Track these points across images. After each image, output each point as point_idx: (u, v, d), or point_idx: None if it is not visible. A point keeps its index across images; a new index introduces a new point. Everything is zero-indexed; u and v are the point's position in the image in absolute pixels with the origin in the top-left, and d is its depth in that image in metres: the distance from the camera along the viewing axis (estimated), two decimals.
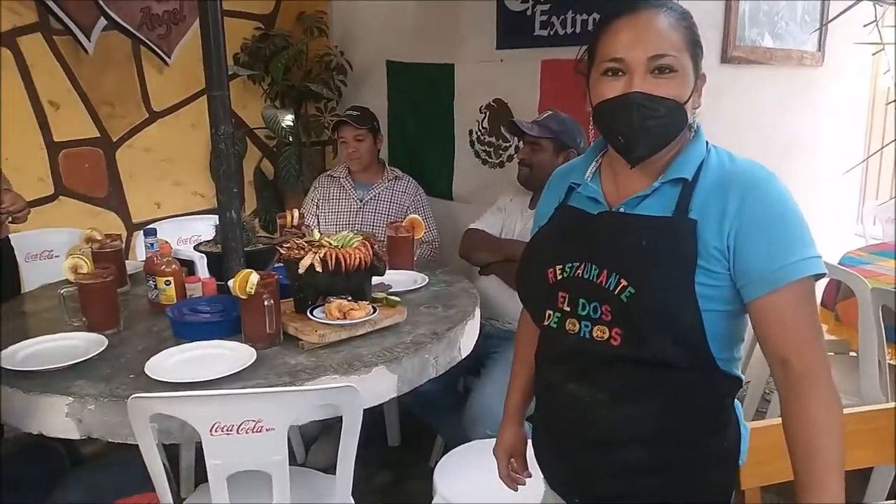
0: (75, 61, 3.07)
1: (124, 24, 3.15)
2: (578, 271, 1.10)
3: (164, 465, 1.44)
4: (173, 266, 1.99)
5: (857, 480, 1.92)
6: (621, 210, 1.11)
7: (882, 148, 3.19)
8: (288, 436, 1.42)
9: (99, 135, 3.20)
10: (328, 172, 3.13)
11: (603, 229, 1.11)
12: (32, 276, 2.57)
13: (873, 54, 2.98)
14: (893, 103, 2.56)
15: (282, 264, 1.87)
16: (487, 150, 3.19)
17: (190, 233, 2.91)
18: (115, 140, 3.26)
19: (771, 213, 1.02)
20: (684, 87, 1.05)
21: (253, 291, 1.64)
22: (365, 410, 1.48)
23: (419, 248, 2.58)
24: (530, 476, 1.41)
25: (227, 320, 1.79)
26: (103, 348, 1.66)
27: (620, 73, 1.05)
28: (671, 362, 1.04)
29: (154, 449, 1.41)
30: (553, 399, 1.19)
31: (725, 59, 2.67)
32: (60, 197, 3.12)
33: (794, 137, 3.13)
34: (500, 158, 3.14)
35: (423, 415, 2.66)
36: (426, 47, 3.36)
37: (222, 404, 1.37)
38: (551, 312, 1.13)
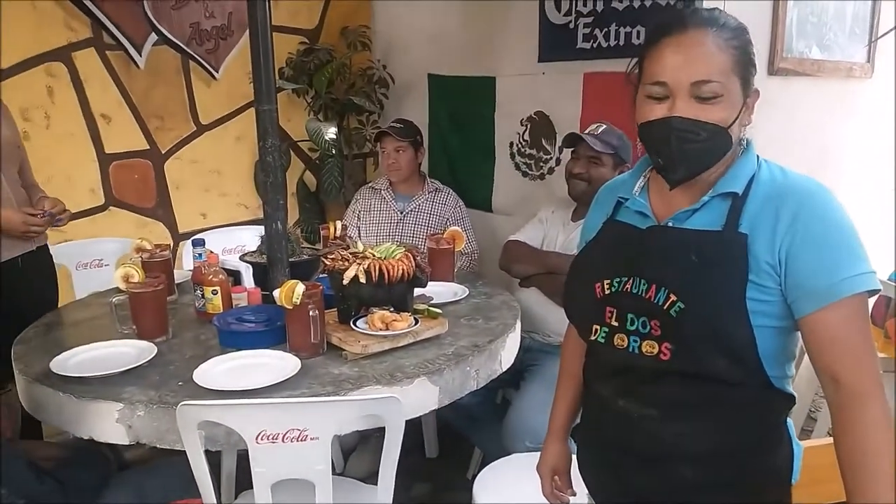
0: (127, 75, 3.17)
1: (174, 40, 3.24)
2: (627, 286, 1.09)
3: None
4: (220, 276, 2.02)
5: None
6: (670, 224, 1.10)
7: None
8: None
9: (148, 147, 3.29)
10: (370, 184, 3.16)
11: (651, 244, 1.10)
12: (83, 285, 2.64)
13: None
14: None
15: (325, 275, 1.89)
16: (528, 162, 3.19)
17: (235, 243, 2.97)
18: (163, 152, 3.34)
19: (824, 228, 1.00)
20: (729, 110, 1.03)
21: (298, 301, 1.66)
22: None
23: (459, 260, 2.59)
24: (574, 494, 1.40)
25: (271, 330, 1.81)
26: (153, 356, 1.69)
27: (664, 96, 1.04)
28: (723, 378, 1.03)
29: (201, 455, 1.43)
30: (603, 415, 1.18)
31: (772, 71, 2.62)
32: (111, 207, 3.21)
33: (841, 150, 3.06)
34: (541, 171, 3.14)
35: (462, 427, 2.65)
36: (468, 61, 3.38)
37: (268, 413, 1.39)
38: (598, 327, 1.13)
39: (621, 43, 2.67)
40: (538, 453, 1.44)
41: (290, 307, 1.67)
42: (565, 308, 1.26)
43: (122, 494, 1.67)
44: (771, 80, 2.65)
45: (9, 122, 2.34)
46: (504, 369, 1.90)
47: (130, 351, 1.73)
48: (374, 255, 1.82)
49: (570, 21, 2.84)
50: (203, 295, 2.00)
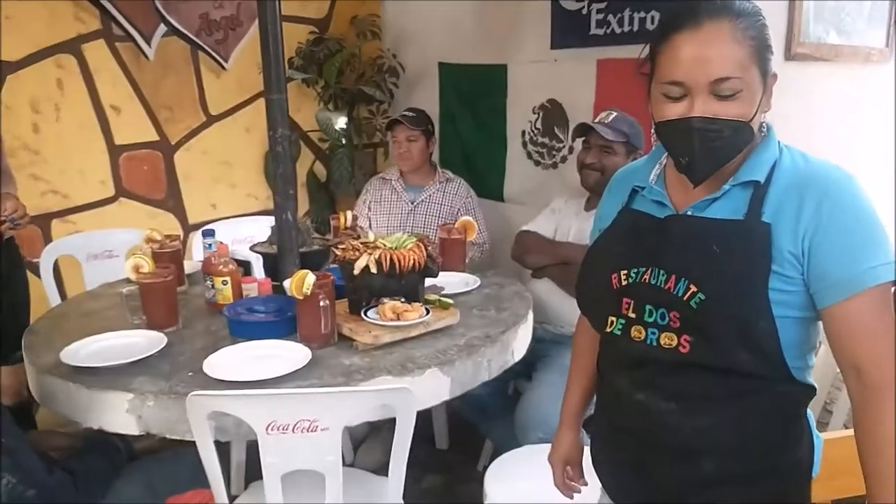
0: (136, 67, 3.16)
1: (183, 31, 3.23)
2: (645, 277, 1.06)
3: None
4: (230, 266, 2.01)
5: None
6: (689, 213, 1.07)
7: None
8: None
9: (158, 138, 3.28)
10: (380, 175, 3.14)
11: (671, 233, 1.07)
12: (93, 276, 2.64)
13: None
14: None
15: (336, 265, 1.88)
16: (540, 150, 3.16)
17: (244, 234, 2.96)
18: (173, 143, 3.34)
19: (849, 216, 0.97)
20: (750, 104, 1.00)
21: (309, 292, 1.65)
22: None
23: (470, 250, 2.57)
24: (586, 485, 1.38)
25: (282, 320, 1.80)
26: (163, 346, 1.69)
27: (681, 94, 1.00)
28: (743, 371, 1.00)
29: (211, 446, 1.42)
30: (619, 407, 1.16)
31: (789, 56, 2.57)
32: (120, 198, 3.21)
33: (860, 135, 3.01)
34: (554, 159, 3.11)
35: (473, 418, 2.63)
36: (479, 48, 3.35)
37: (279, 403, 1.38)
38: (615, 319, 1.10)
39: (635, 29, 2.63)
40: (550, 445, 1.42)
41: (300, 297, 1.66)
42: (578, 299, 1.24)
43: (131, 485, 1.67)
44: (788, 66, 2.60)
45: None
46: (516, 360, 1.88)
47: (141, 341, 1.72)
48: (385, 245, 1.81)
49: (583, 7, 2.81)
50: (213, 285, 1.99)
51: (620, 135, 2.28)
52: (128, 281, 2.05)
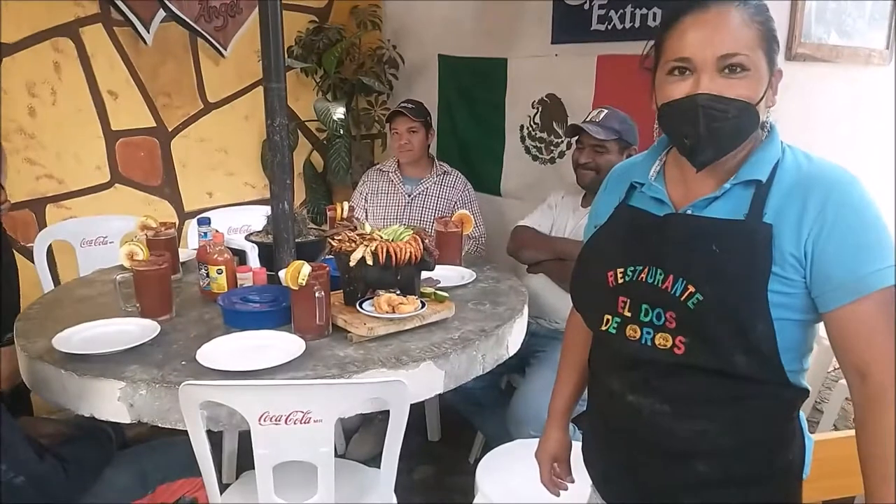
0: (134, 52, 3.13)
1: (183, 17, 3.20)
2: (642, 275, 1.05)
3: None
4: (225, 255, 2.00)
5: None
6: (689, 212, 1.06)
7: None
8: None
9: (155, 124, 3.26)
10: (377, 166, 3.13)
11: (671, 232, 1.06)
12: (87, 262, 2.63)
13: None
14: None
15: (332, 256, 1.87)
16: (538, 145, 3.15)
17: (240, 223, 2.96)
18: (170, 130, 3.32)
19: (855, 219, 0.96)
20: (757, 86, 0.99)
21: (304, 283, 1.64)
22: None
23: (466, 243, 2.56)
24: (573, 482, 1.38)
25: (276, 310, 1.80)
26: (156, 334, 1.68)
27: (688, 73, 1.00)
28: (739, 373, 0.99)
29: (203, 435, 1.42)
30: (611, 407, 1.15)
31: (790, 56, 2.57)
32: (116, 185, 3.19)
33: (860, 137, 3.01)
34: (552, 154, 3.10)
35: (466, 411, 2.64)
36: (479, 42, 3.33)
37: (272, 394, 1.37)
38: (610, 317, 1.09)
39: (637, 25, 2.63)
40: None
41: (295, 288, 1.65)
42: (572, 296, 1.23)
43: (122, 473, 1.66)
44: (788, 66, 2.60)
45: None
46: (511, 354, 1.88)
47: (134, 329, 1.72)
48: (381, 237, 1.80)
49: (585, 2, 2.79)
50: (208, 274, 1.98)
51: (612, 132, 2.29)
52: (122, 268, 2.05)
